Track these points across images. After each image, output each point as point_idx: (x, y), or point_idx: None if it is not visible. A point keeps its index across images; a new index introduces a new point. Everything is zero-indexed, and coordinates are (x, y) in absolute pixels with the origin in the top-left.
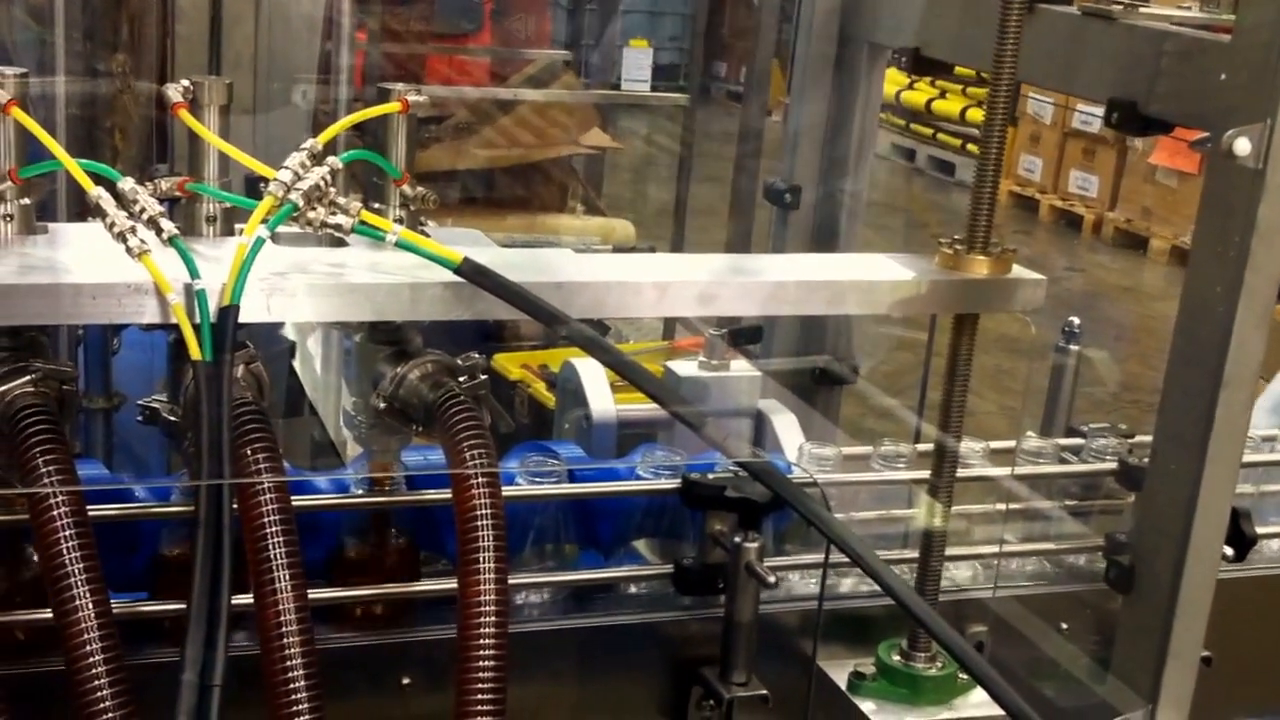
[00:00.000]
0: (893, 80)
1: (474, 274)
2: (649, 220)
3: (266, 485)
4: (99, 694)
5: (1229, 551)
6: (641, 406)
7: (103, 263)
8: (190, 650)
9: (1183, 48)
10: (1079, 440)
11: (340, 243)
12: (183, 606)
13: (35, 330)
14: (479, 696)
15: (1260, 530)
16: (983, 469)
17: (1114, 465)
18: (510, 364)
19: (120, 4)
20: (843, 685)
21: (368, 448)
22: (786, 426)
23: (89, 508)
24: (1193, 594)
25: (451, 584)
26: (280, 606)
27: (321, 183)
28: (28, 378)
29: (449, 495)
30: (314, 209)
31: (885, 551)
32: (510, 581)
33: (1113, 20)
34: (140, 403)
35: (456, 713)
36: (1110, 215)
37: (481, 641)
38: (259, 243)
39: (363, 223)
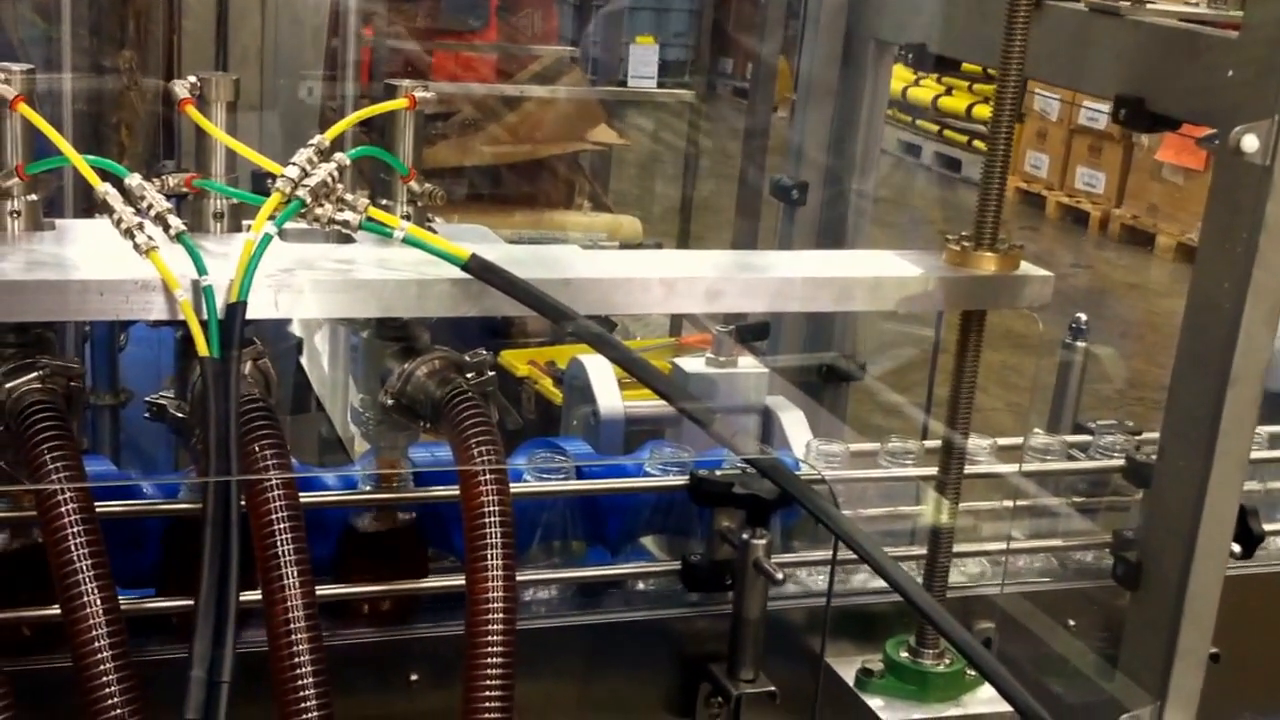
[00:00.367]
0: (899, 77)
1: (481, 270)
2: (655, 217)
3: (274, 482)
4: (107, 690)
5: (1236, 548)
6: (649, 403)
7: (110, 259)
8: (198, 646)
9: (1190, 44)
10: (1086, 437)
11: (347, 239)
12: (190, 603)
13: (42, 327)
14: (487, 693)
15: (1268, 527)
16: (990, 466)
17: (1121, 462)
18: (517, 360)
19: (126, 0)
20: (851, 682)
21: (375, 444)
22: (794, 423)
23: (97, 504)
24: (1200, 591)
25: (459, 580)
26: (288, 603)
27: (329, 179)
28: (35, 374)
29: (457, 492)
30: (321, 205)
31: (892, 548)
32: (518, 578)
33: (1120, 16)
34: (148, 399)
35: (464, 709)
36: (1117, 212)
37: (489, 638)
38: (266, 239)
39: (370, 219)
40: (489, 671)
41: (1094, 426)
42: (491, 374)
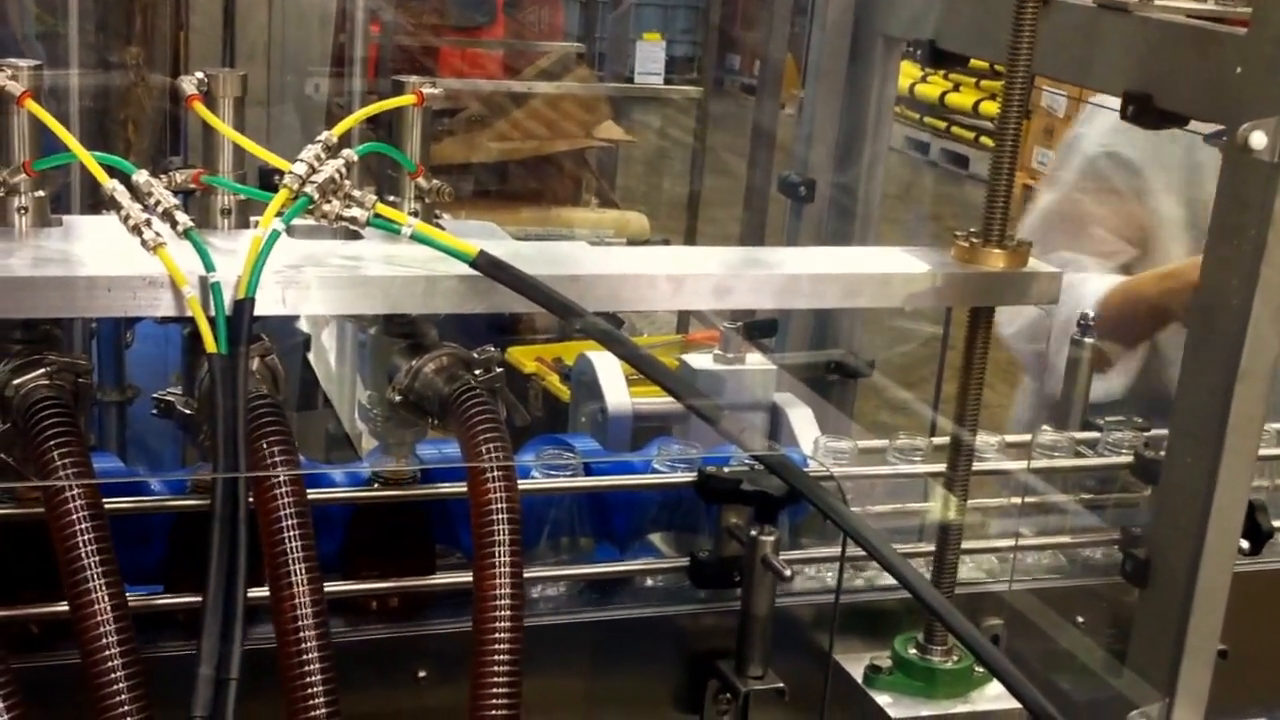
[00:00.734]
0: (906, 73)
1: (489, 267)
2: (662, 213)
3: (282, 478)
4: (114, 687)
5: (1245, 545)
6: (657, 400)
7: (118, 255)
8: (206, 644)
9: (1198, 40)
10: (1094, 434)
11: (355, 235)
12: (198, 599)
13: (50, 323)
14: (495, 689)
15: (1277, 523)
16: (998, 462)
17: (1129, 459)
18: (524, 357)
19: None
20: (859, 678)
21: (383, 441)
22: (802, 420)
23: (104, 500)
24: (1209, 587)
25: (467, 577)
26: (296, 600)
27: (336, 175)
28: (42, 370)
29: (464, 489)
30: (329, 202)
31: (899, 545)
32: (526, 575)
33: (1128, 13)
34: (155, 395)
35: (472, 705)
36: None
37: (497, 635)
38: (274, 235)
39: (378, 215)
40: (497, 668)
41: (1102, 423)
42: (500, 370)
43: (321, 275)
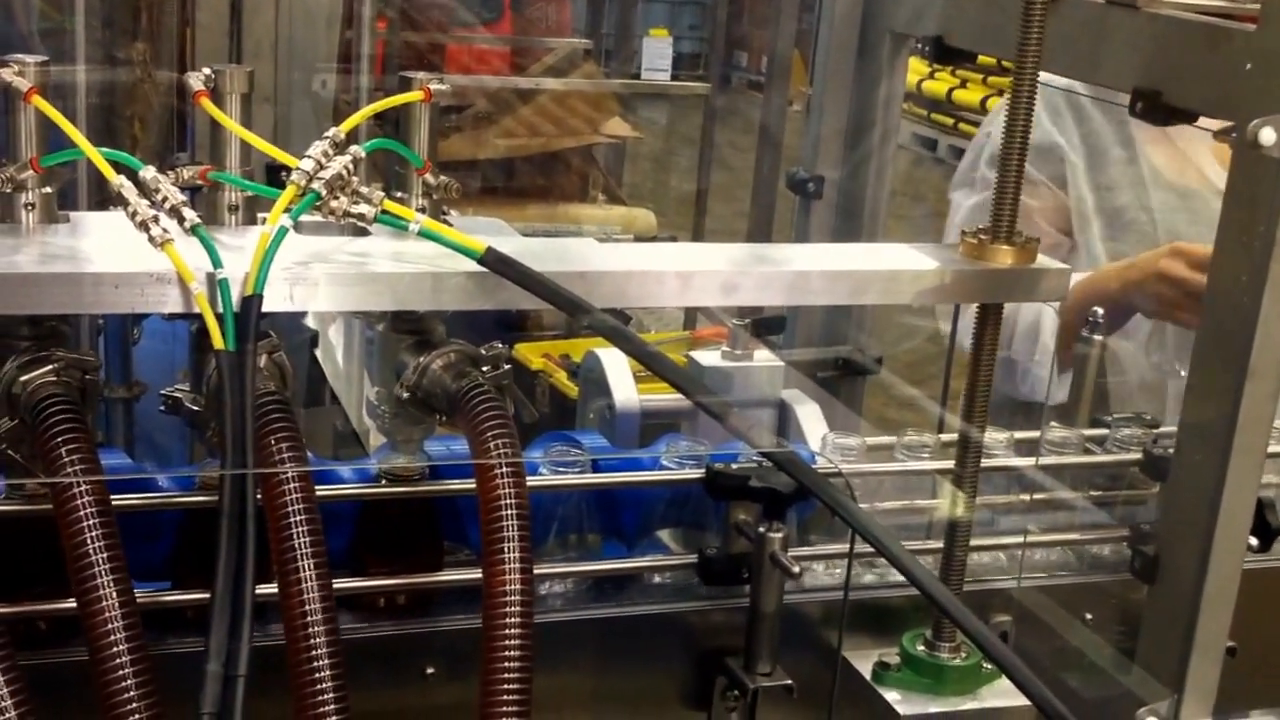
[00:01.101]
0: (914, 70)
1: (497, 263)
2: (669, 210)
3: (290, 475)
4: (123, 684)
5: (1254, 542)
6: (665, 396)
7: (125, 252)
8: (214, 640)
9: (1208, 37)
10: (1103, 430)
11: (363, 232)
12: (206, 596)
13: (57, 319)
14: (504, 686)
15: None
16: (1007, 459)
17: (1138, 455)
18: (531, 354)
19: None
20: (867, 675)
21: (391, 438)
22: (810, 416)
23: (113, 497)
24: (1218, 584)
25: (476, 574)
26: (304, 596)
27: (344, 172)
28: (50, 367)
29: (473, 485)
30: (337, 198)
31: (907, 542)
32: (535, 572)
33: (1137, 9)
34: (163, 392)
35: (482, 702)
36: None
37: (507, 632)
38: (282, 232)
39: (385, 212)
40: (506, 665)
41: (1110, 420)
42: (508, 367)
43: (329, 272)
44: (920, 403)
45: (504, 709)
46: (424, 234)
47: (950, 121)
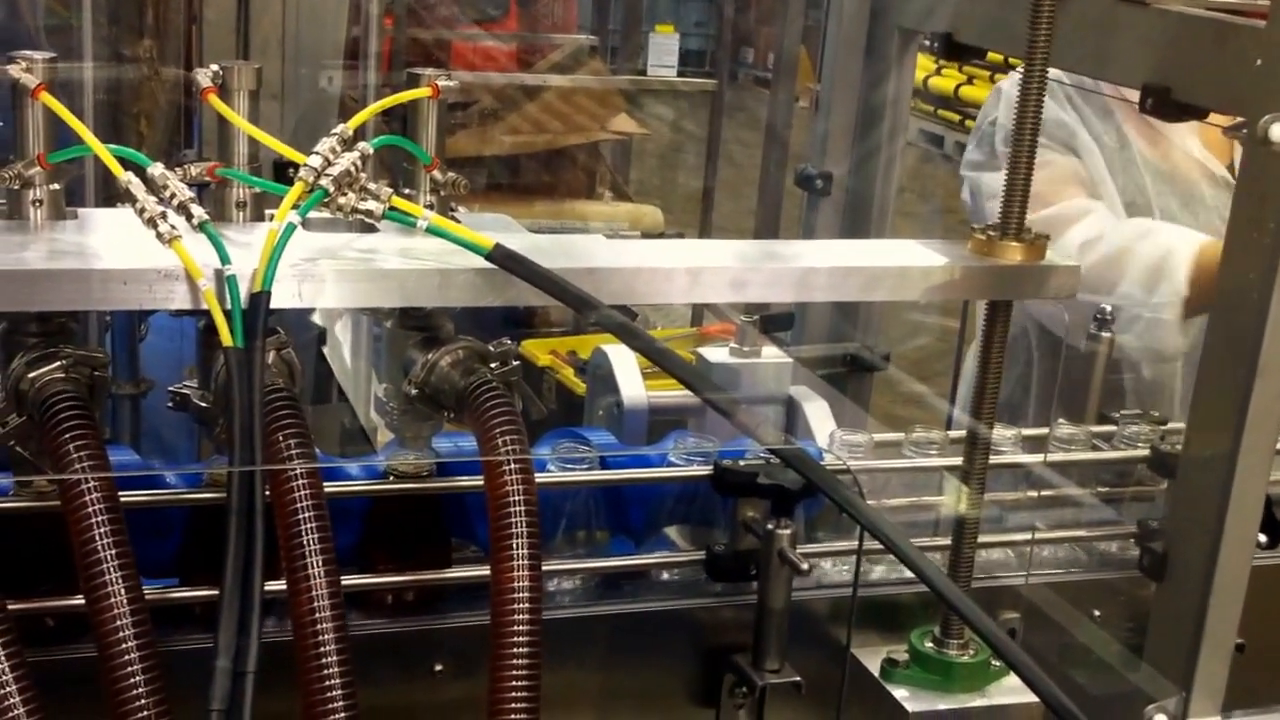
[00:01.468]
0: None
1: (505, 260)
2: (676, 206)
3: (299, 471)
4: (131, 680)
5: (1263, 539)
6: (672, 393)
7: (133, 248)
8: (223, 637)
9: (1217, 32)
10: (1111, 427)
11: (370, 228)
12: (214, 592)
13: (65, 316)
14: (513, 682)
15: None
16: (1015, 456)
17: (1146, 452)
18: (538, 350)
19: None
20: (876, 672)
21: (399, 434)
22: (818, 413)
23: (121, 494)
24: (1227, 581)
25: (484, 571)
26: (313, 593)
27: (352, 168)
28: (58, 363)
29: (479, 482)
30: (344, 195)
31: (914, 539)
32: (543, 568)
33: (1146, 5)
34: (171, 389)
35: (490, 699)
36: None
37: (515, 628)
38: (290, 228)
39: (393, 208)
40: (515, 661)
41: (1118, 416)
42: (516, 364)
43: (337, 268)
44: (928, 399)
45: (512, 705)
46: (432, 230)
47: (957, 118)
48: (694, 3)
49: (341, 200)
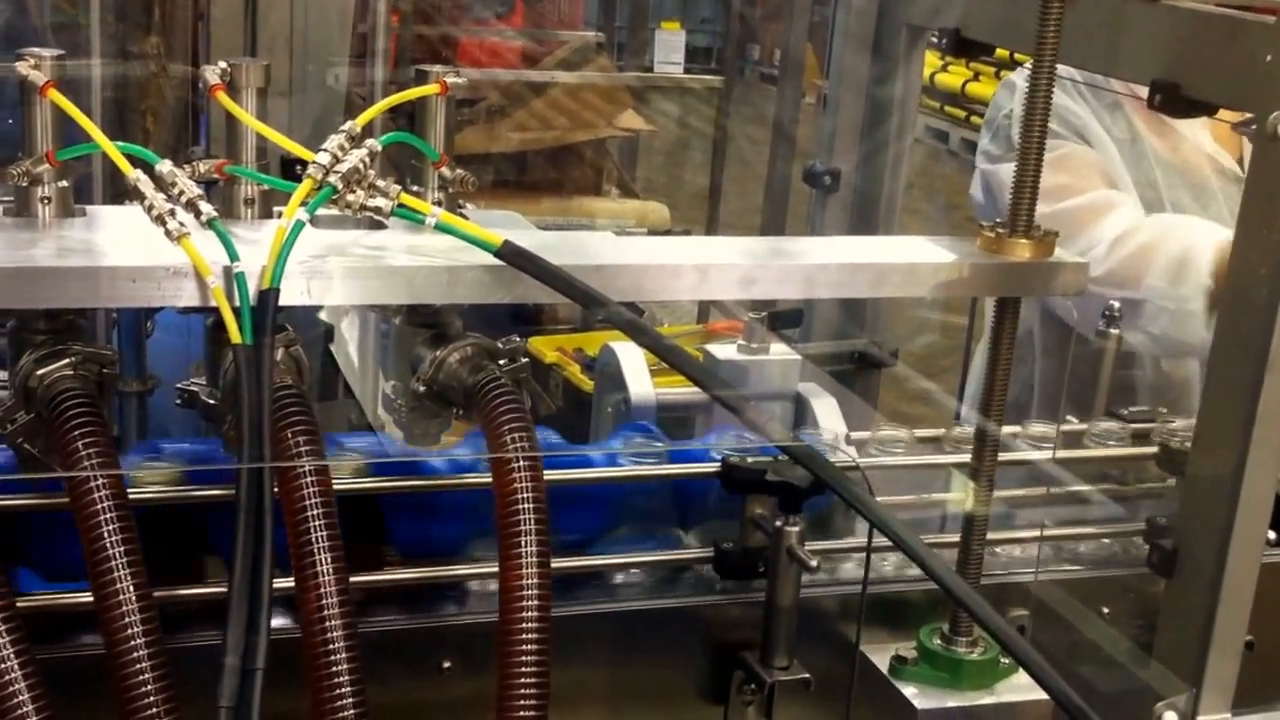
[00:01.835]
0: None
1: (514, 257)
2: (682, 203)
3: (308, 469)
4: (140, 678)
5: (1272, 535)
6: (681, 390)
7: (141, 246)
8: (232, 634)
9: (1227, 28)
10: (1119, 424)
11: (379, 225)
12: (224, 590)
13: (74, 313)
14: (522, 680)
15: None
16: (1023, 453)
17: (1155, 449)
18: (545, 347)
19: None
20: (884, 669)
21: (408, 431)
22: (826, 410)
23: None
24: (1236, 578)
25: (493, 568)
26: (322, 590)
27: (360, 165)
28: (67, 361)
29: (489, 479)
30: (353, 192)
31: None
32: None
33: (1155, 1)
34: (179, 386)
35: (499, 696)
36: None
37: (524, 626)
38: (299, 225)
39: (402, 205)
40: (524, 658)
41: (1126, 413)
42: (525, 361)
43: (346, 265)
44: (936, 396)
45: (521, 703)
46: (441, 227)
47: (963, 114)
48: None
49: (350, 197)
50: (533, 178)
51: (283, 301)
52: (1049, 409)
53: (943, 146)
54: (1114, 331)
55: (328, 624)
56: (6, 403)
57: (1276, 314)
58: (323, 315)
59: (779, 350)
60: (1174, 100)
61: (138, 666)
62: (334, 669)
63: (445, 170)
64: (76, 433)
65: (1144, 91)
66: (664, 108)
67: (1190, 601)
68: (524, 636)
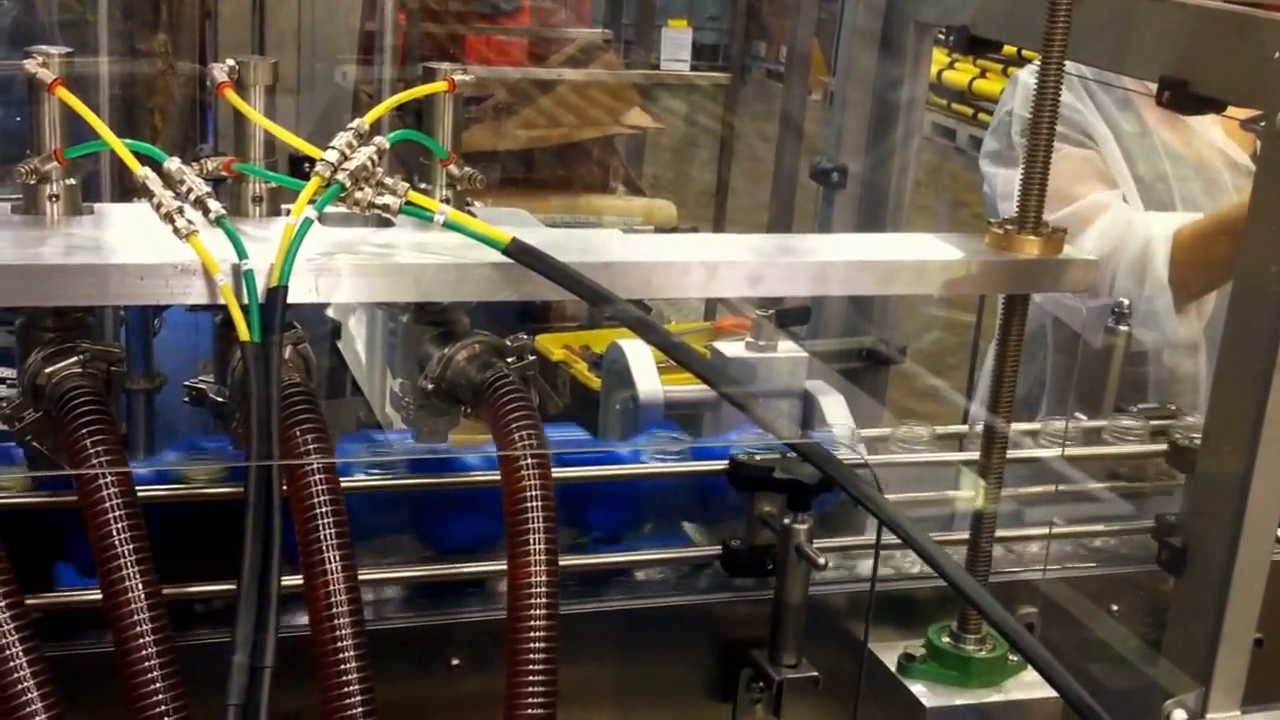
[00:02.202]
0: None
1: (522, 254)
2: (689, 201)
3: (316, 466)
4: (149, 675)
5: None
6: (688, 387)
7: (150, 243)
8: (240, 632)
9: (1236, 25)
10: (1129, 422)
11: (386, 223)
12: (232, 587)
13: (82, 311)
14: (530, 677)
15: None
16: (1032, 450)
17: (1164, 446)
18: (552, 345)
19: None
20: (893, 667)
21: (416, 429)
22: (834, 407)
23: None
24: (1246, 575)
25: (500, 566)
26: (330, 588)
27: (368, 163)
28: (75, 359)
29: (497, 477)
30: (361, 189)
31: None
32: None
33: None
34: (187, 384)
35: (507, 693)
36: None
37: (532, 623)
38: (307, 223)
39: (410, 203)
40: (532, 655)
41: (1135, 411)
42: (532, 358)
43: (354, 263)
44: (944, 393)
45: (529, 700)
46: (449, 225)
47: (970, 112)
48: None
49: (358, 195)
50: (540, 175)
51: (291, 299)
52: (1061, 406)
53: (949, 144)
54: (1123, 328)
55: (337, 621)
56: (15, 400)
57: None
58: (330, 313)
59: (787, 347)
60: (1183, 97)
61: (147, 664)
62: (343, 666)
63: (453, 168)
64: (85, 430)
65: (1154, 87)
66: (671, 105)
67: (1199, 599)
68: (533, 633)
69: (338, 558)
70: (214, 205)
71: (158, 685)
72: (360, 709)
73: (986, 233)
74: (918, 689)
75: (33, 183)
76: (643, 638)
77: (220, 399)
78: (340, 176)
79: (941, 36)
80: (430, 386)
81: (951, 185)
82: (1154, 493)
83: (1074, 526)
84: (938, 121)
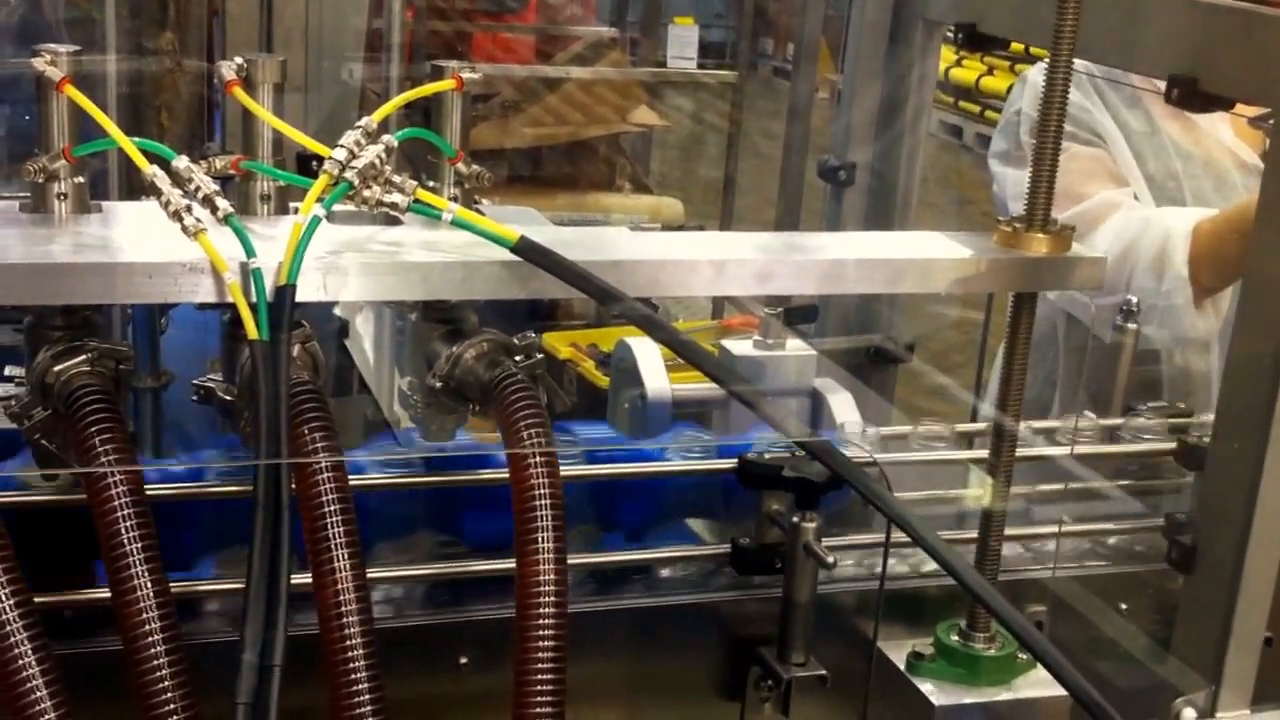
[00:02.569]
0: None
1: (530, 252)
2: (696, 198)
3: (325, 465)
4: (158, 674)
5: None
6: (696, 386)
7: (158, 242)
8: (249, 630)
9: (1244, 23)
10: (1138, 419)
11: (395, 221)
12: (241, 585)
13: (90, 309)
14: (539, 675)
15: None
16: (1040, 449)
17: (1173, 444)
18: (559, 343)
19: None
20: (901, 665)
21: (424, 427)
22: (842, 405)
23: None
24: (1255, 574)
25: (509, 564)
26: (339, 586)
27: (377, 161)
28: (83, 357)
29: (505, 475)
30: (369, 187)
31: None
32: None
33: None
34: (195, 382)
35: (516, 691)
36: None
37: (541, 621)
38: (315, 221)
39: (418, 201)
40: (540, 654)
41: (1144, 409)
42: (540, 356)
43: (362, 261)
44: (952, 391)
45: (538, 698)
46: (457, 223)
47: (977, 109)
48: None
49: (366, 193)
50: (547, 173)
51: (299, 297)
52: (1073, 405)
53: (956, 141)
54: (1132, 326)
55: (345, 619)
56: (24, 399)
57: None
58: (337, 311)
59: (794, 345)
60: (1191, 95)
61: (155, 662)
62: (352, 664)
63: (461, 166)
64: (93, 429)
65: (1162, 85)
66: (677, 103)
67: (1209, 597)
68: (541, 631)
69: (346, 556)
70: (222, 203)
71: (167, 683)
72: (369, 707)
73: (995, 231)
74: (926, 687)
75: (41, 181)
76: (652, 636)
77: (228, 397)
78: (348, 174)
79: (948, 34)
80: (438, 384)
81: (958, 183)
82: (1164, 491)
83: (1083, 525)
84: (945, 119)
